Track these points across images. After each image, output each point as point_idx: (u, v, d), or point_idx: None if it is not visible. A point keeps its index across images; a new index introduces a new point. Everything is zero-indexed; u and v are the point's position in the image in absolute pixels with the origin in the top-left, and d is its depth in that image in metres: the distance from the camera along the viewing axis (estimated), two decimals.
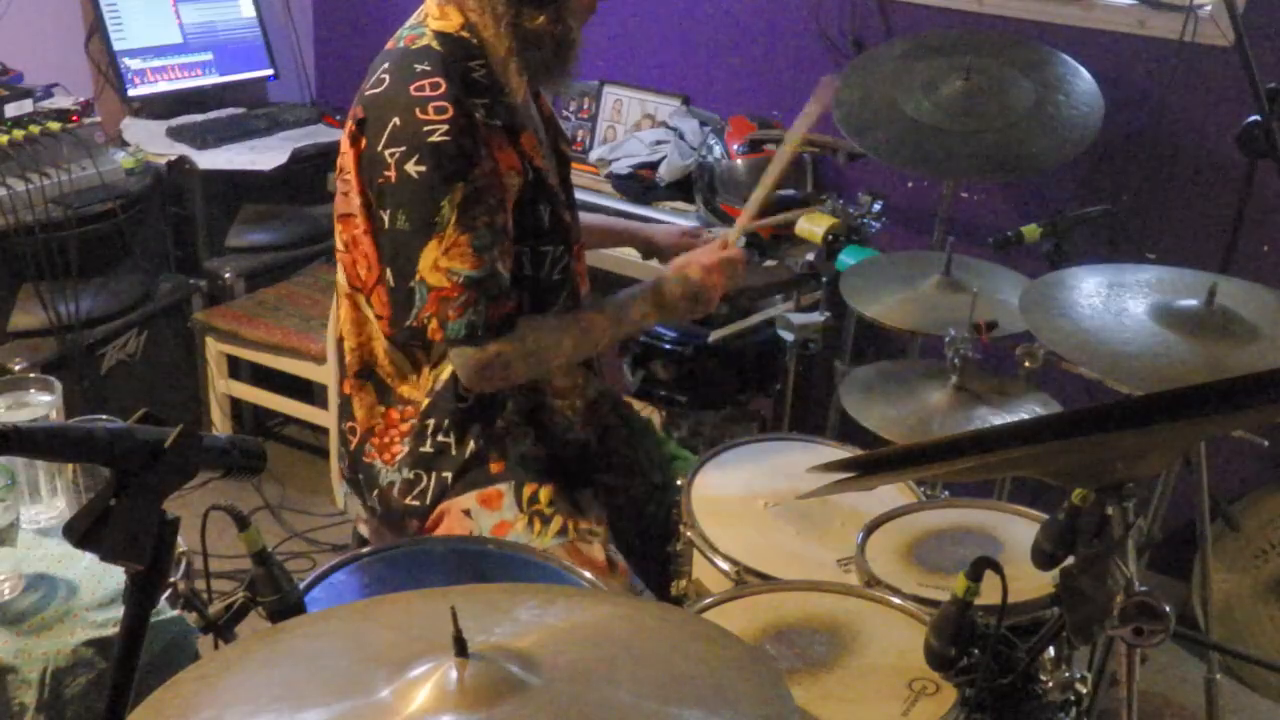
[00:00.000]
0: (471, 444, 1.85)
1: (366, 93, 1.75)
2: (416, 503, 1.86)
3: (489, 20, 1.74)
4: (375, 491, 1.89)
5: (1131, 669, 1.11)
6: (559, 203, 1.89)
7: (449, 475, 1.85)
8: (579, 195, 2.08)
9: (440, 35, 1.76)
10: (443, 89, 1.69)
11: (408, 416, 1.87)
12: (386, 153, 1.70)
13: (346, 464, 1.96)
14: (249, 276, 3.37)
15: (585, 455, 2.00)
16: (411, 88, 1.70)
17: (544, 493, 1.85)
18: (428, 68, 1.71)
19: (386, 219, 1.73)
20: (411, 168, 1.68)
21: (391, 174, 1.70)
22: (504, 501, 1.84)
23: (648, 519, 2.04)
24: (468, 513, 1.84)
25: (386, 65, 1.76)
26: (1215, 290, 1.67)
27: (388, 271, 1.77)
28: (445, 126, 1.68)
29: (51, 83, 3.05)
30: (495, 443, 1.87)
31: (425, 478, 1.86)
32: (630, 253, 2.45)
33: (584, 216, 2.14)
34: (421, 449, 1.86)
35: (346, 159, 1.79)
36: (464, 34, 1.76)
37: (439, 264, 1.71)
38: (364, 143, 1.74)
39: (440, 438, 1.86)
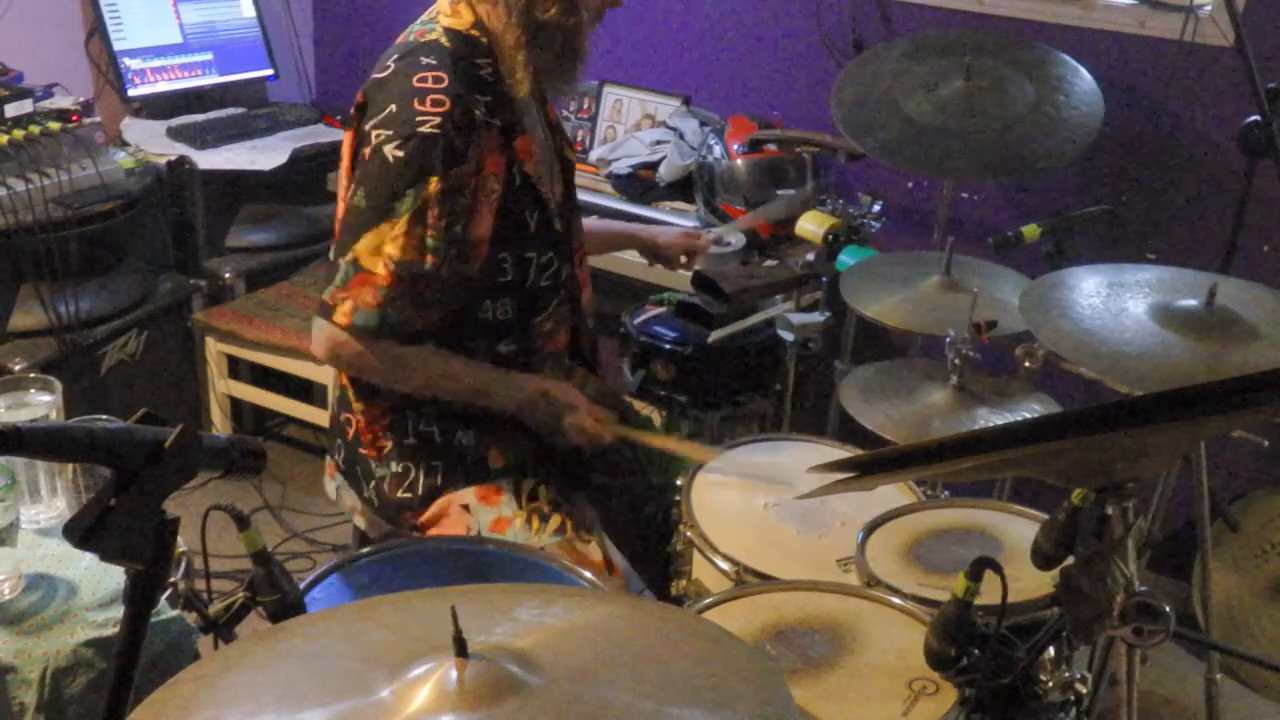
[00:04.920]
0: (461, 436, 1.85)
1: (371, 78, 1.76)
2: (409, 495, 1.86)
3: (501, 11, 1.74)
4: (372, 483, 1.90)
5: (1131, 669, 1.11)
6: (549, 210, 1.88)
7: (440, 465, 1.85)
8: (579, 195, 2.08)
9: (450, 32, 1.76)
10: (445, 83, 1.70)
11: (384, 410, 1.87)
12: (373, 132, 1.70)
13: (343, 455, 1.96)
14: (249, 276, 3.37)
15: (579, 456, 2.00)
16: (414, 78, 1.70)
17: (544, 490, 1.85)
18: (433, 61, 1.72)
19: (350, 192, 1.73)
20: (390, 150, 1.68)
21: (368, 151, 1.70)
22: (503, 497, 1.84)
23: (647, 519, 2.04)
24: (466, 508, 1.84)
25: (395, 55, 1.77)
26: (1215, 290, 1.67)
27: (333, 245, 1.76)
28: (438, 119, 1.68)
29: (51, 83, 3.05)
30: (493, 435, 1.87)
31: (414, 469, 1.86)
32: (636, 255, 2.45)
33: (584, 223, 2.14)
34: (405, 441, 1.86)
35: (345, 146, 1.80)
36: (474, 32, 1.77)
37: (383, 249, 1.70)
38: (357, 124, 1.75)
39: (422, 427, 1.85)
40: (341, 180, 1.83)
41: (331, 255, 1.76)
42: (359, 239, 1.71)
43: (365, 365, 1.80)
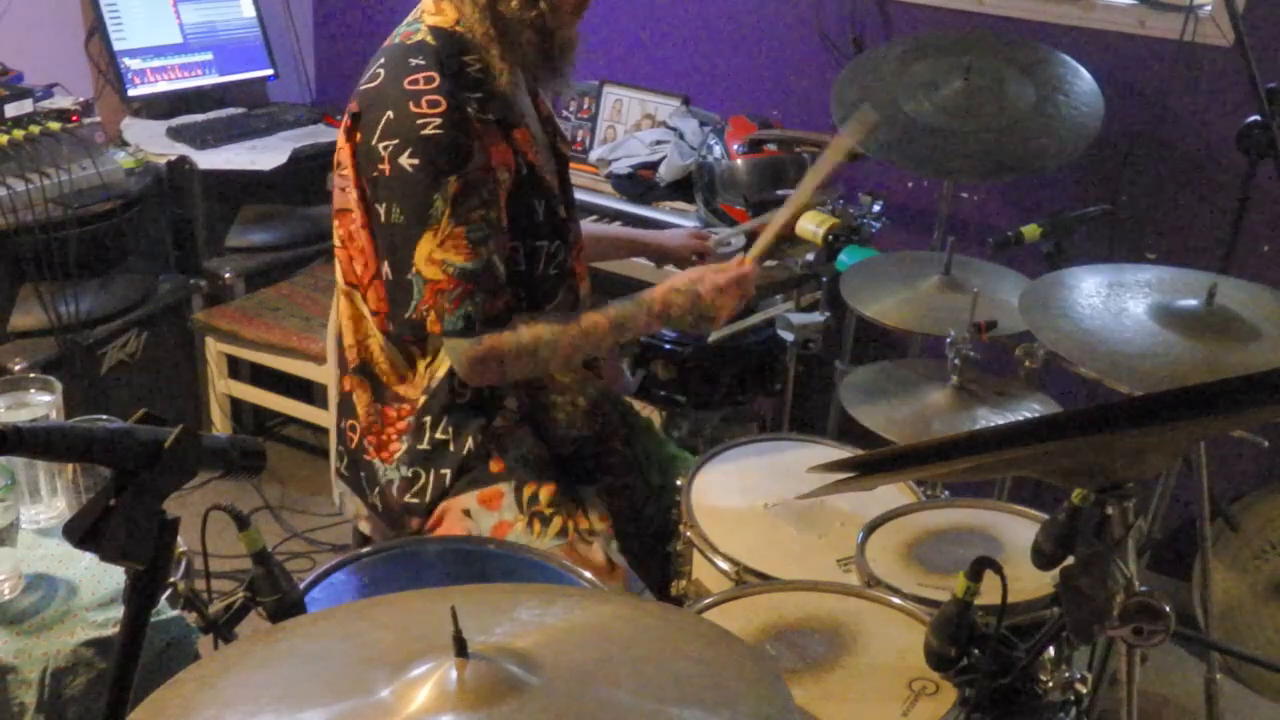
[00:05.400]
0: (470, 441, 1.85)
1: (362, 87, 1.76)
2: (415, 500, 1.86)
3: (468, 8, 1.75)
4: (376, 489, 1.89)
5: (1131, 669, 1.11)
6: (554, 198, 1.89)
7: (448, 472, 1.85)
8: (579, 195, 2.09)
9: (435, 30, 1.76)
10: (436, 83, 1.70)
11: (404, 415, 1.87)
12: (380, 146, 1.70)
13: (346, 462, 1.96)
14: (249, 276, 3.37)
15: (586, 453, 2.00)
16: (405, 81, 1.71)
17: (544, 493, 1.85)
18: (421, 62, 1.72)
19: (382, 212, 1.74)
20: (405, 161, 1.69)
21: (385, 167, 1.71)
22: (504, 501, 1.84)
23: (647, 519, 2.04)
24: (467, 512, 1.84)
25: (382, 60, 1.77)
26: (1215, 290, 1.67)
27: (385, 265, 1.78)
28: (438, 120, 1.68)
29: (51, 83, 3.05)
30: (494, 441, 1.87)
31: (424, 475, 1.86)
32: (643, 259, 2.45)
33: (590, 227, 2.14)
34: (419, 446, 1.86)
35: (343, 154, 1.80)
36: (458, 29, 1.77)
37: (434, 256, 1.71)
38: (359, 137, 1.75)
39: (438, 434, 1.86)
40: (338, 187, 1.82)
41: (387, 274, 1.77)
42: (413, 254, 1.72)
43: (501, 368, 1.80)
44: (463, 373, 1.79)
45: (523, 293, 1.85)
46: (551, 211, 1.87)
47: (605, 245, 2.32)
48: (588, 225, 2.11)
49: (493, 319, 1.76)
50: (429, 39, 1.75)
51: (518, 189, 1.80)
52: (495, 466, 1.87)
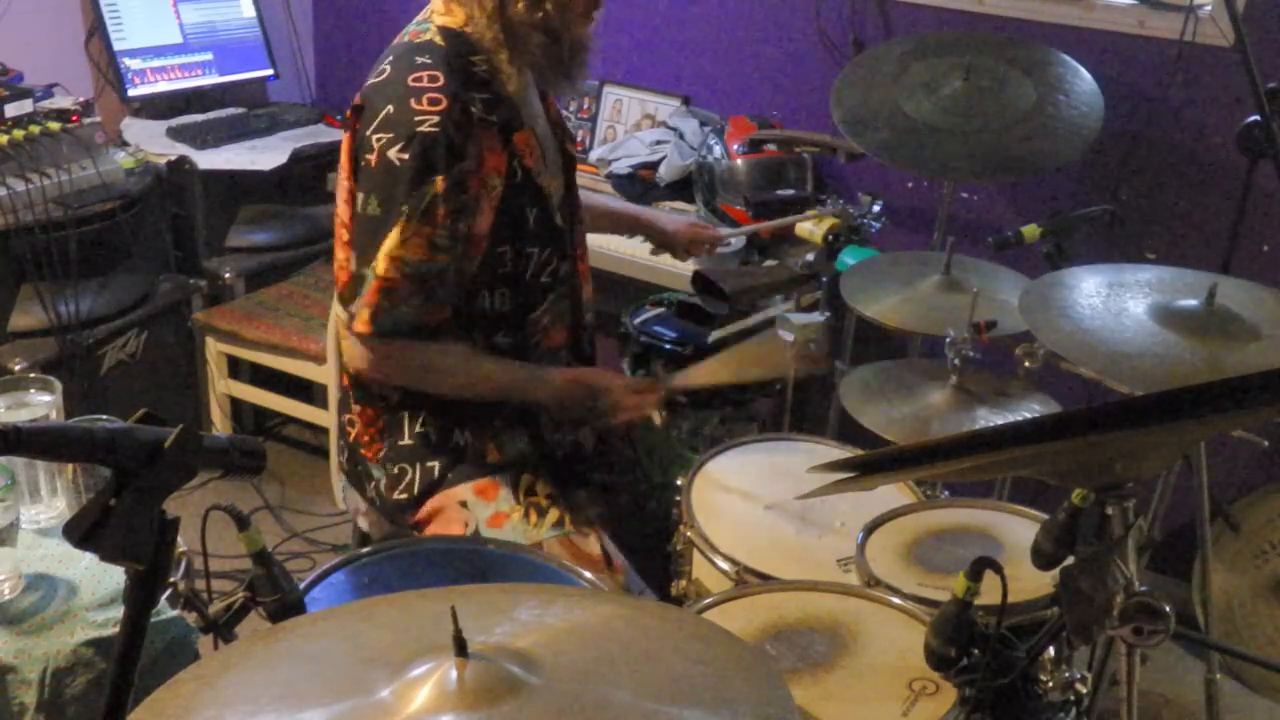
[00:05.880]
0: (458, 435, 1.85)
1: (368, 82, 1.76)
2: (405, 495, 1.86)
3: (477, 12, 1.75)
4: (372, 484, 1.90)
5: (1131, 669, 1.11)
6: (550, 206, 1.88)
7: (435, 465, 1.85)
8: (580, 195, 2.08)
9: (444, 30, 1.77)
10: (441, 82, 1.70)
11: (381, 411, 1.87)
12: (373, 137, 1.70)
13: (346, 457, 1.97)
14: (249, 276, 3.37)
15: (579, 456, 2.00)
16: (410, 78, 1.71)
17: (541, 485, 1.86)
18: (428, 60, 1.72)
19: (360, 202, 1.73)
20: (394, 154, 1.68)
21: (372, 158, 1.70)
22: (500, 492, 1.84)
23: (648, 517, 2.04)
24: (464, 504, 1.84)
25: (390, 58, 1.77)
26: (1215, 290, 1.67)
27: (352, 256, 1.76)
28: (436, 118, 1.68)
29: (51, 83, 3.05)
30: (492, 437, 1.87)
31: (410, 470, 1.86)
32: (638, 253, 2.45)
33: (592, 200, 2.13)
34: (400, 442, 1.86)
35: (344, 148, 1.80)
36: (467, 29, 1.77)
37: (394, 252, 1.70)
38: (357, 128, 1.75)
39: (418, 428, 1.86)
40: (341, 182, 1.83)
41: (353, 266, 1.76)
42: (379, 246, 1.71)
43: (397, 374, 1.81)
44: (358, 362, 1.79)
45: (508, 293, 1.85)
46: (545, 219, 1.86)
47: (605, 221, 2.32)
48: (589, 198, 2.11)
49: (421, 328, 1.75)
50: (437, 39, 1.76)
51: (510, 194, 1.79)
52: (492, 457, 1.87)
